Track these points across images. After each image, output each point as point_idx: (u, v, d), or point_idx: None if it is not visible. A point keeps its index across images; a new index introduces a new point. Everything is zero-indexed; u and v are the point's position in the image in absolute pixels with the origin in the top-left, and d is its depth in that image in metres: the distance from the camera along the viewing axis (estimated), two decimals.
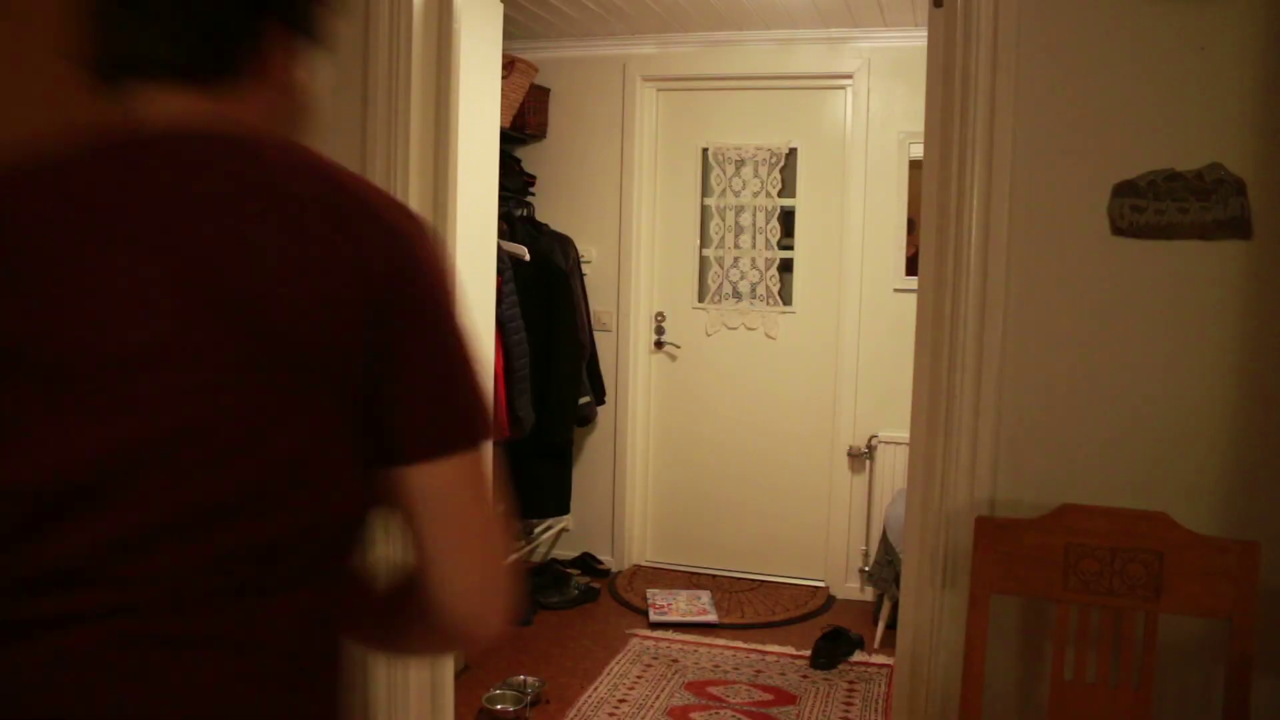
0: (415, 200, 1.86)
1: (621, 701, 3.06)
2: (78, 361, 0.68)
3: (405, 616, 0.84)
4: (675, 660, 3.40)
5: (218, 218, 0.70)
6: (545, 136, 4.24)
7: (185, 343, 0.68)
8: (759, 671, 3.32)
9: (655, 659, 3.41)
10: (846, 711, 3.04)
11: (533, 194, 4.24)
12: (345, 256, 0.71)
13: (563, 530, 4.40)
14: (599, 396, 4.23)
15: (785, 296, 4.18)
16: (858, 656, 3.46)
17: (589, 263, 4.28)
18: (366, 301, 0.71)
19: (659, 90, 4.25)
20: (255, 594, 0.71)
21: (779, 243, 4.22)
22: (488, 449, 0.79)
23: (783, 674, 3.31)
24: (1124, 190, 1.58)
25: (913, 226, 3.92)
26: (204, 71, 0.78)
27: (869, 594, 4.03)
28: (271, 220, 0.71)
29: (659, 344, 4.23)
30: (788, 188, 4.20)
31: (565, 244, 3.99)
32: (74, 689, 0.67)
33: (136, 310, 0.68)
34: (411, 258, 0.75)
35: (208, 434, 0.68)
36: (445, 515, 0.78)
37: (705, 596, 3.93)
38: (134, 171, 0.73)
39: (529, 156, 4.26)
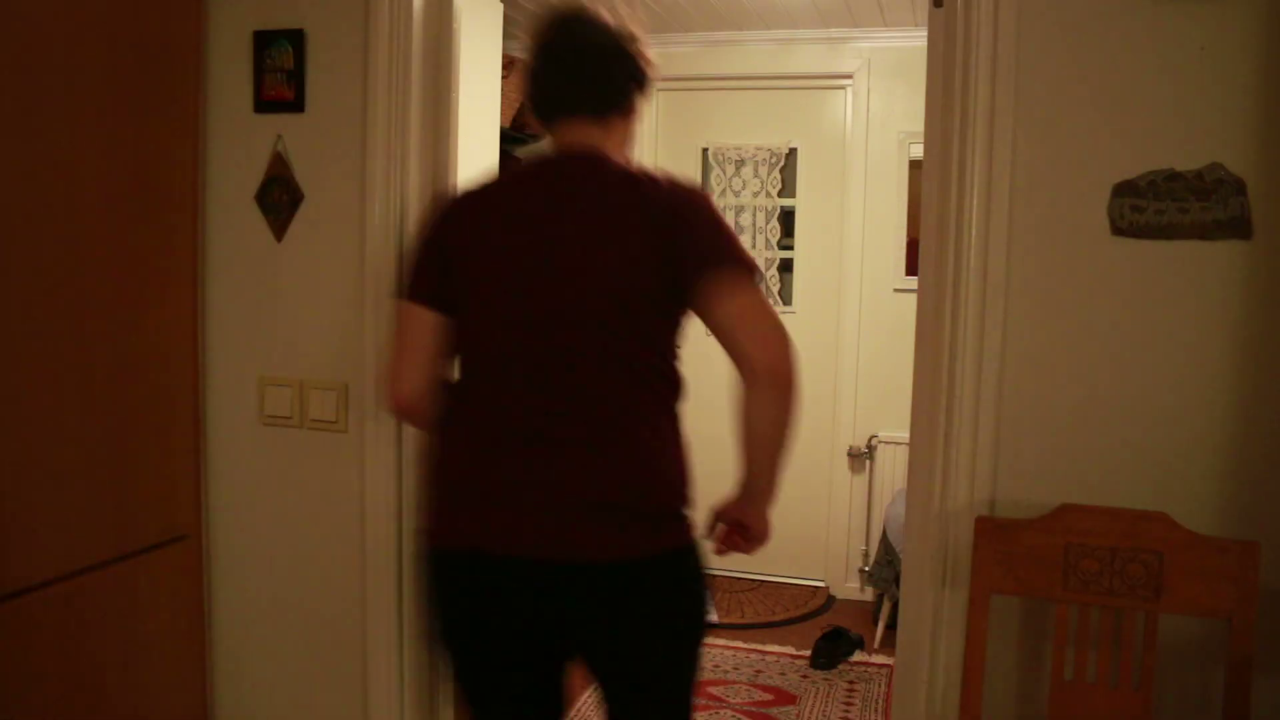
0: (414, 200, 1.86)
1: None
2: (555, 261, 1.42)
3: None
4: None
5: (605, 193, 1.43)
6: (545, 136, 4.24)
7: (598, 247, 1.41)
8: (759, 671, 3.32)
9: None
10: (846, 711, 3.04)
11: None
12: (653, 207, 1.41)
13: None
14: None
15: (785, 296, 4.18)
16: (858, 656, 3.46)
17: None
18: (664, 227, 1.40)
19: (659, 90, 4.24)
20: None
21: (779, 243, 4.22)
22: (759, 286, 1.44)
23: (783, 674, 3.31)
24: (1124, 190, 1.58)
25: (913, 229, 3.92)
26: (602, 113, 1.50)
27: (869, 594, 4.03)
28: (625, 193, 1.43)
29: None
30: (788, 188, 4.20)
31: None
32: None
33: (579, 238, 1.42)
34: (687, 202, 1.43)
35: (605, 287, 1.41)
36: (743, 313, 1.41)
37: None
38: (564, 171, 1.49)
39: (529, 156, 4.26)
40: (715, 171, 4.25)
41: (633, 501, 1.39)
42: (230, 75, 1.94)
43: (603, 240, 1.40)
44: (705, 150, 4.26)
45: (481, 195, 1.52)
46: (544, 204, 1.44)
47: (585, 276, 1.40)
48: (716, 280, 1.39)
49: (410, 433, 1.88)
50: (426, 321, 1.49)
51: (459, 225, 1.50)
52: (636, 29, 1.52)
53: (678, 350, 1.48)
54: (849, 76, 3.98)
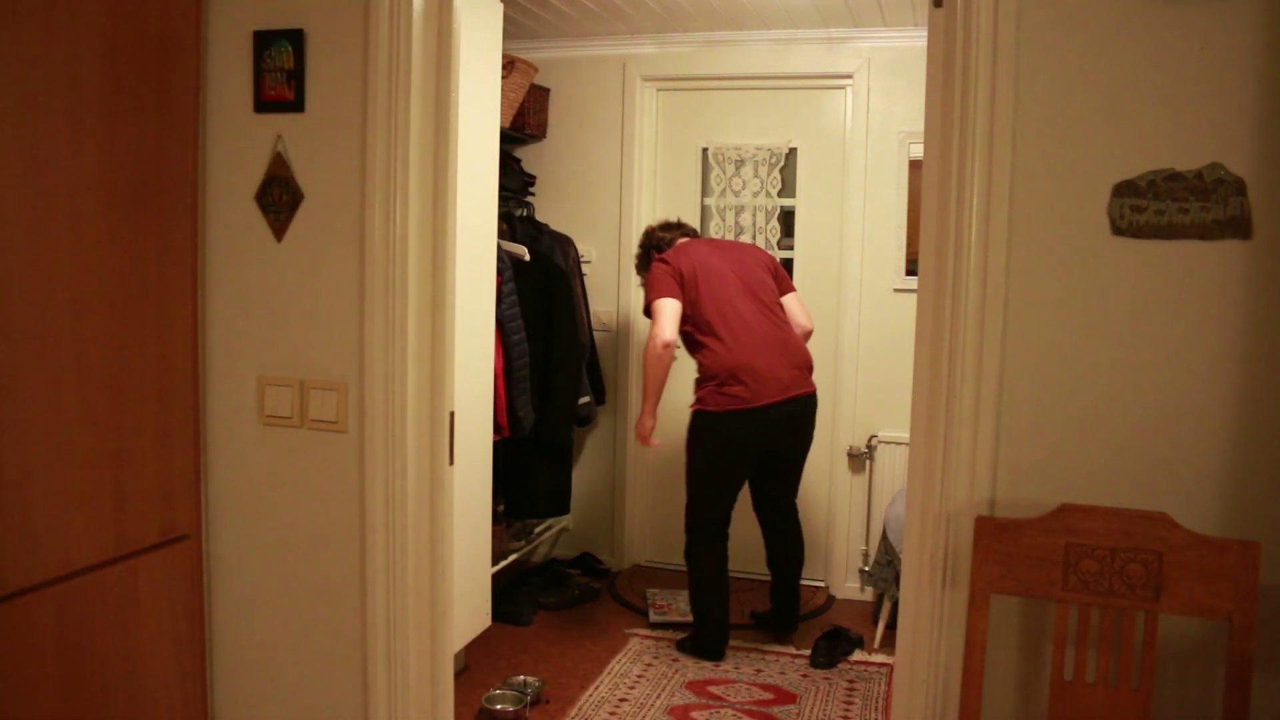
0: (415, 200, 1.86)
1: (622, 701, 3.07)
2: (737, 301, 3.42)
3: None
4: (676, 660, 3.40)
5: (745, 255, 3.55)
6: (545, 136, 4.24)
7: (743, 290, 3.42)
8: (759, 670, 3.32)
9: (655, 659, 3.41)
10: (846, 710, 3.04)
11: (533, 194, 4.24)
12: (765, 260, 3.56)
13: (563, 530, 4.40)
14: (599, 396, 4.23)
15: None
16: (858, 656, 3.46)
17: (589, 263, 4.28)
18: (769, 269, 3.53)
19: (659, 90, 4.25)
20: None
21: (779, 242, 4.22)
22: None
23: (783, 673, 3.31)
24: (1124, 190, 1.58)
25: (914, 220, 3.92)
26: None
27: (869, 594, 4.03)
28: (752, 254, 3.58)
29: None
30: (788, 188, 4.20)
31: (565, 244, 3.99)
32: None
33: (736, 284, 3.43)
34: (770, 259, 3.61)
35: (759, 314, 3.39)
36: (798, 308, 3.54)
37: None
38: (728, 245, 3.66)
39: (529, 156, 4.26)
40: (715, 171, 4.25)
41: (807, 363, 3.42)
42: (230, 75, 1.94)
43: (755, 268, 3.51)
44: (705, 150, 4.25)
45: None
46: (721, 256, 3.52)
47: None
48: None
49: (408, 433, 1.88)
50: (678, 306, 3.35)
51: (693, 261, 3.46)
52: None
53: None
54: (849, 76, 3.98)
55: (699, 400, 3.31)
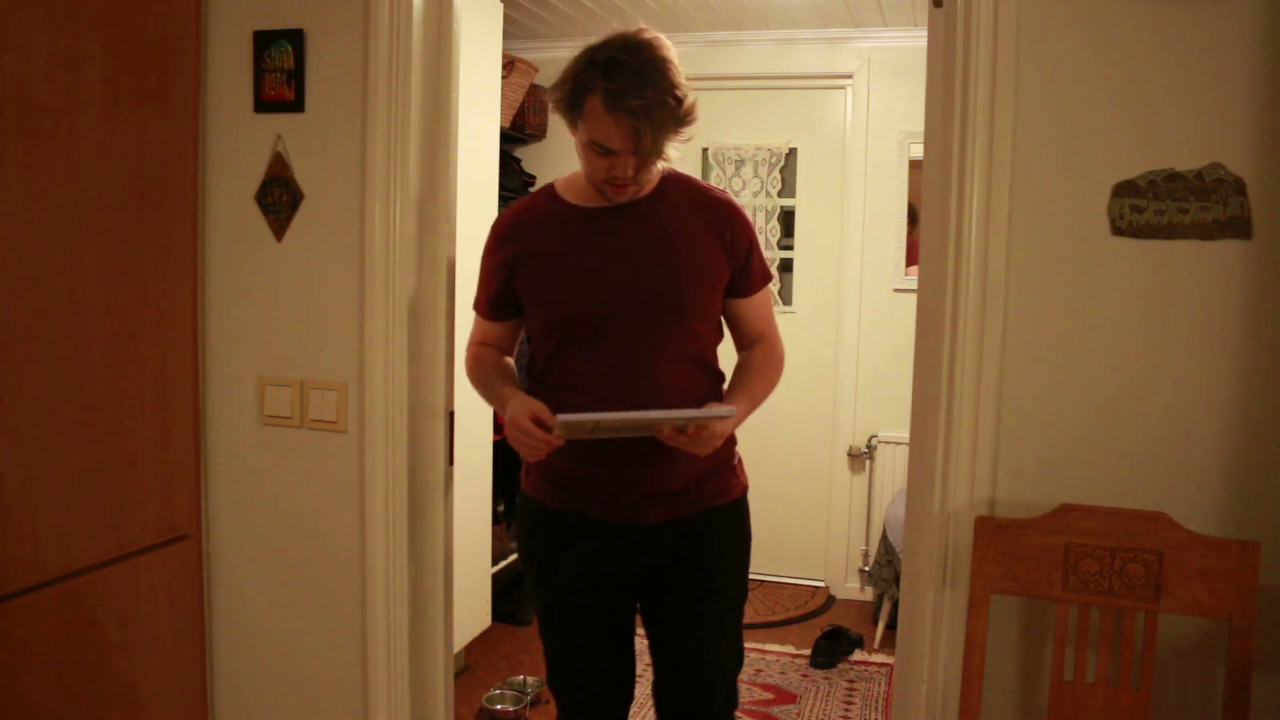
0: (415, 200, 1.86)
1: None
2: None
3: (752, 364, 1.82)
4: None
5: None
6: (545, 136, 4.24)
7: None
8: (759, 670, 3.32)
9: None
10: (846, 710, 3.04)
11: None
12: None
13: None
14: None
15: (785, 296, 4.18)
16: (858, 656, 3.46)
17: None
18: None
19: None
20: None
21: (779, 243, 4.22)
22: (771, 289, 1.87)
23: (783, 673, 3.31)
24: (1124, 190, 1.58)
25: (914, 216, 3.92)
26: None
27: (869, 594, 4.04)
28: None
29: None
30: (788, 188, 4.20)
31: None
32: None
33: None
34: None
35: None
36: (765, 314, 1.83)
37: None
38: None
39: (529, 156, 4.26)
40: (715, 171, 4.25)
41: None
42: (230, 75, 1.94)
43: None
44: (705, 150, 4.25)
45: None
46: None
47: None
48: None
49: (408, 433, 1.88)
50: None
51: None
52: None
53: None
54: (849, 76, 3.98)
55: (742, 475, 1.86)
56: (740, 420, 1.68)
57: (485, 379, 1.81)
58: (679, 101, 1.59)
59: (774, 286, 2.02)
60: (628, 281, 1.66)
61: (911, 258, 3.90)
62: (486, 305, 1.83)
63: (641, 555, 1.75)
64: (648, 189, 1.72)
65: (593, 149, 1.60)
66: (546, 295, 1.71)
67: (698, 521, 1.75)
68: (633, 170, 1.61)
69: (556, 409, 1.58)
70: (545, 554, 1.81)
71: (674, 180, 1.76)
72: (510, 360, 1.88)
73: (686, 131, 1.64)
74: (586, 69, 1.56)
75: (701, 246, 1.71)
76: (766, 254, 4.25)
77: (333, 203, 1.90)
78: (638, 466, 1.68)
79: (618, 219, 1.70)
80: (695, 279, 1.70)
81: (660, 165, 1.70)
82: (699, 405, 1.66)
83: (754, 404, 1.76)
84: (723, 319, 1.82)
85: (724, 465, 1.79)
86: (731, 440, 1.79)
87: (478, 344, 1.87)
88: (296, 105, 1.90)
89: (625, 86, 1.52)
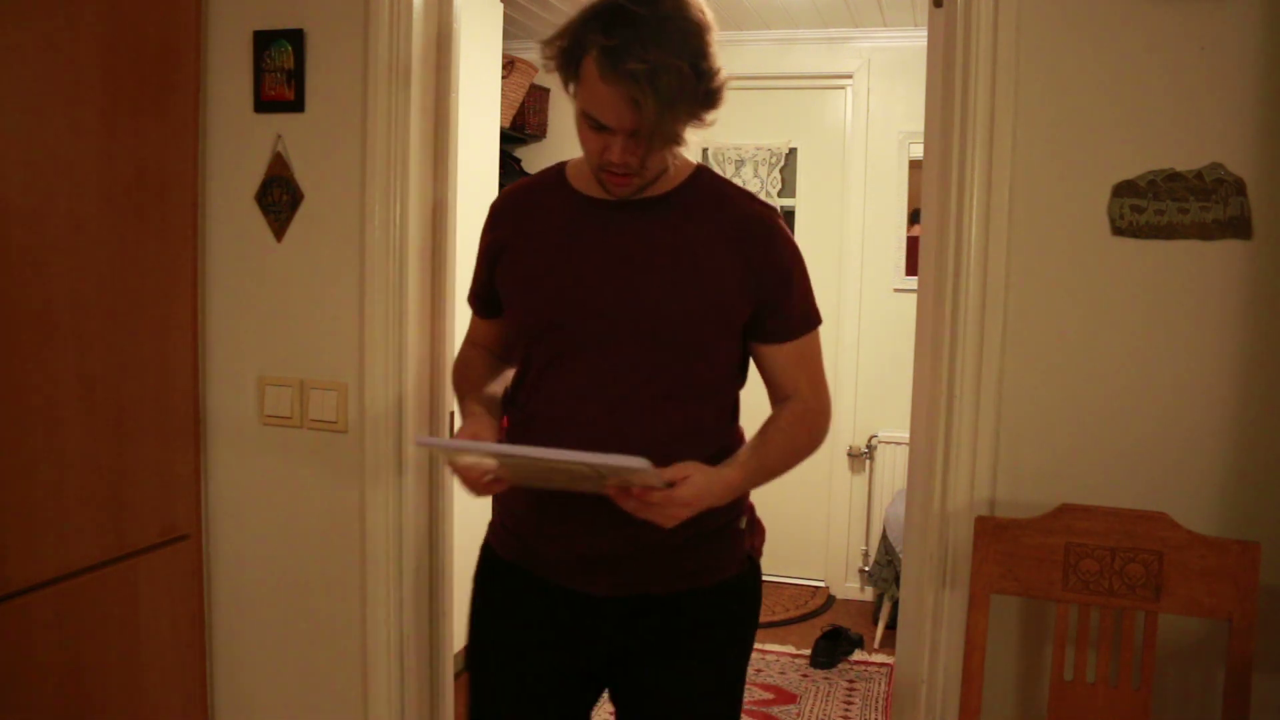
0: (415, 200, 1.86)
1: None
2: None
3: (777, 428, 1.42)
4: None
5: None
6: (545, 136, 4.24)
7: None
8: (759, 670, 3.32)
9: None
10: (846, 710, 3.04)
11: None
12: None
13: None
14: None
15: None
16: (857, 656, 3.46)
17: None
18: None
19: None
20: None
21: None
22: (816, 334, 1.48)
23: (783, 673, 3.31)
24: (1124, 190, 1.58)
25: (915, 217, 3.92)
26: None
27: (869, 594, 4.03)
28: None
29: None
30: (788, 188, 4.20)
31: None
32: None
33: None
34: None
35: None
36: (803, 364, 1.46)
37: None
38: None
39: (529, 156, 4.26)
40: (715, 171, 4.25)
41: None
42: (230, 75, 1.94)
43: None
44: (705, 150, 4.25)
45: None
46: None
47: None
48: None
49: (411, 433, 1.88)
50: None
51: None
52: None
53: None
54: (849, 76, 3.98)
55: (751, 544, 1.51)
56: (736, 487, 1.31)
57: (460, 388, 1.51)
58: (701, 74, 1.22)
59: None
60: (612, 294, 1.32)
61: (910, 266, 3.90)
62: (474, 298, 1.54)
63: (601, 635, 1.38)
64: (665, 184, 1.36)
65: (586, 122, 1.27)
66: (520, 295, 1.40)
67: (680, 601, 1.37)
68: (630, 154, 1.24)
69: (521, 441, 1.32)
70: (485, 615, 1.47)
71: (704, 179, 1.40)
72: (504, 366, 1.54)
73: (710, 115, 1.29)
74: (588, 21, 1.21)
75: (715, 267, 1.32)
76: None
77: (333, 203, 1.90)
78: (595, 516, 1.29)
79: (621, 216, 1.35)
80: (696, 307, 1.32)
81: (680, 155, 1.36)
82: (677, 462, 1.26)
83: (761, 469, 1.36)
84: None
85: (724, 526, 1.39)
86: (737, 503, 1.40)
87: (468, 344, 1.59)
88: (296, 105, 1.90)
89: (627, 44, 1.16)
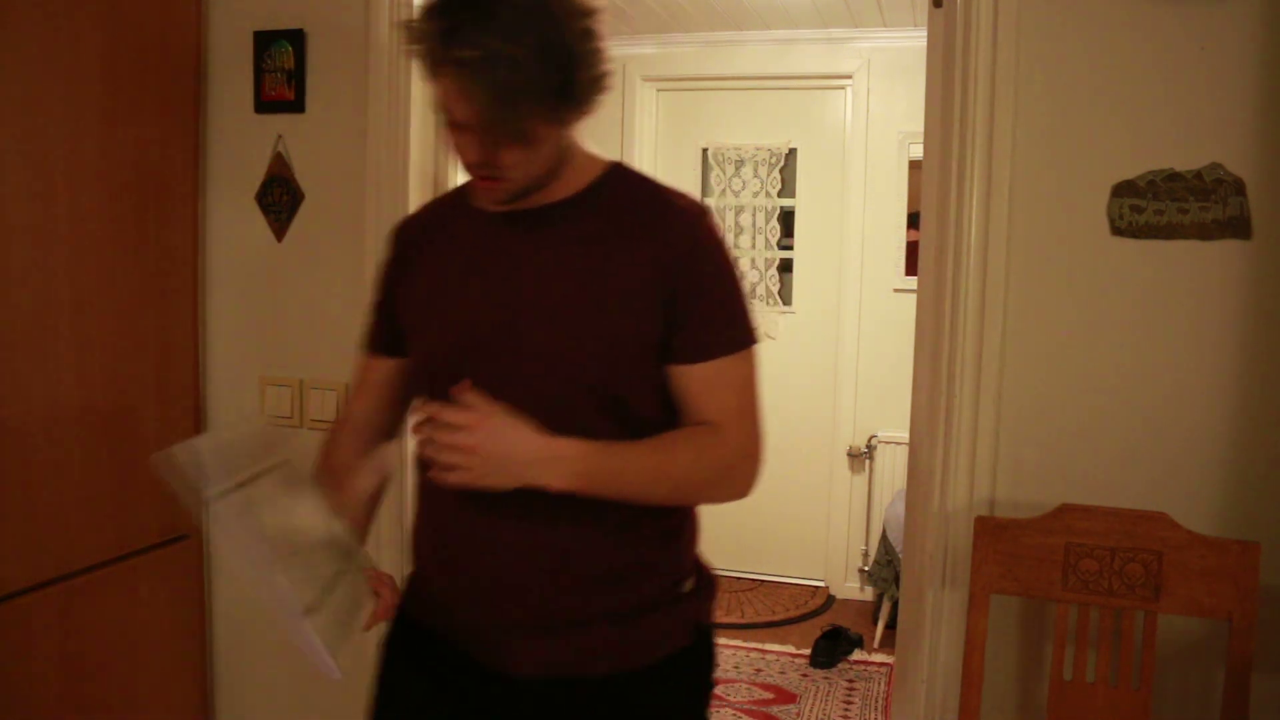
0: (415, 200, 1.86)
1: None
2: None
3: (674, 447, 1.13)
4: None
5: None
6: None
7: None
8: (759, 670, 3.32)
9: None
10: (846, 710, 3.04)
11: None
12: None
13: None
14: None
15: (785, 296, 4.17)
16: (857, 655, 3.46)
17: None
18: None
19: (659, 90, 4.25)
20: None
21: (779, 243, 4.22)
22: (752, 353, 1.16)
23: (783, 673, 3.31)
24: (1124, 190, 1.58)
25: (914, 220, 3.92)
26: None
27: (869, 594, 4.03)
28: None
29: None
30: (787, 188, 4.20)
31: None
32: None
33: None
34: None
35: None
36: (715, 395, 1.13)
37: None
38: None
39: None
40: (715, 171, 4.25)
41: None
42: (230, 75, 1.94)
43: None
44: (705, 150, 4.25)
45: None
46: None
47: None
48: None
49: (407, 432, 1.88)
50: None
51: None
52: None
53: None
54: (849, 76, 3.98)
55: (699, 609, 1.24)
56: (589, 475, 1.06)
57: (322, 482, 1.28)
58: (553, 60, 1.00)
59: (764, 340, 1.29)
60: (506, 319, 1.11)
61: (910, 266, 3.90)
62: (370, 334, 1.31)
63: None
64: (566, 188, 1.14)
65: (441, 120, 1.08)
66: (417, 326, 1.20)
67: (616, 687, 1.14)
68: (488, 154, 1.04)
69: (424, 505, 1.18)
70: (383, 686, 1.30)
71: (616, 179, 1.18)
72: (378, 444, 1.34)
73: (581, 109, 1.08)
74: (429, 3, 1.01)
75: (622, 277, 1.10)
76: (765, 255, 4.29)
77: (333, 203, 1.90)
78: (508, 570, 1.12)
79: (519, 229, 1.14)
80: (598, 327, 1.10)
81: (584, 153, 1.16)
82: (597, 516, 1.09)
83: (626, 464, 1.09)
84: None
85: (661, 594, 1.16)
86: (679, 564, 1.19)
87: (338, 423, 1.36)
88: (297, 105, 1.90)
89: (454, 28, 0.97)
